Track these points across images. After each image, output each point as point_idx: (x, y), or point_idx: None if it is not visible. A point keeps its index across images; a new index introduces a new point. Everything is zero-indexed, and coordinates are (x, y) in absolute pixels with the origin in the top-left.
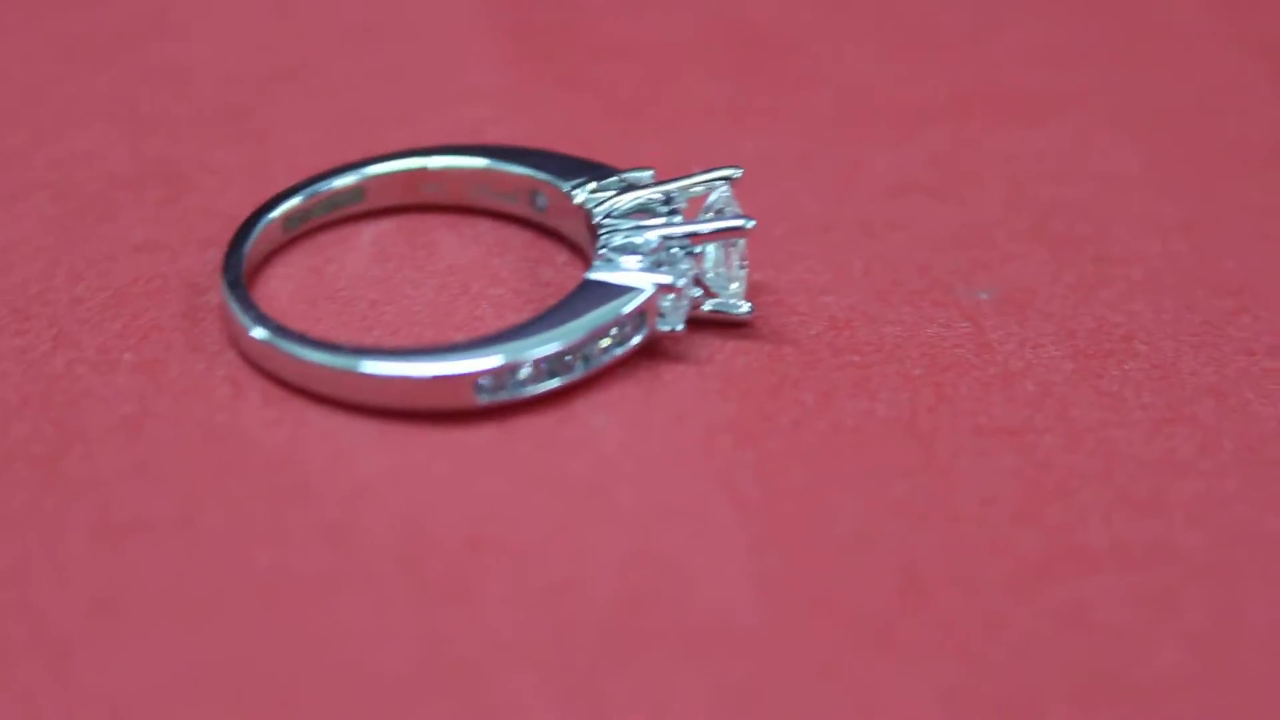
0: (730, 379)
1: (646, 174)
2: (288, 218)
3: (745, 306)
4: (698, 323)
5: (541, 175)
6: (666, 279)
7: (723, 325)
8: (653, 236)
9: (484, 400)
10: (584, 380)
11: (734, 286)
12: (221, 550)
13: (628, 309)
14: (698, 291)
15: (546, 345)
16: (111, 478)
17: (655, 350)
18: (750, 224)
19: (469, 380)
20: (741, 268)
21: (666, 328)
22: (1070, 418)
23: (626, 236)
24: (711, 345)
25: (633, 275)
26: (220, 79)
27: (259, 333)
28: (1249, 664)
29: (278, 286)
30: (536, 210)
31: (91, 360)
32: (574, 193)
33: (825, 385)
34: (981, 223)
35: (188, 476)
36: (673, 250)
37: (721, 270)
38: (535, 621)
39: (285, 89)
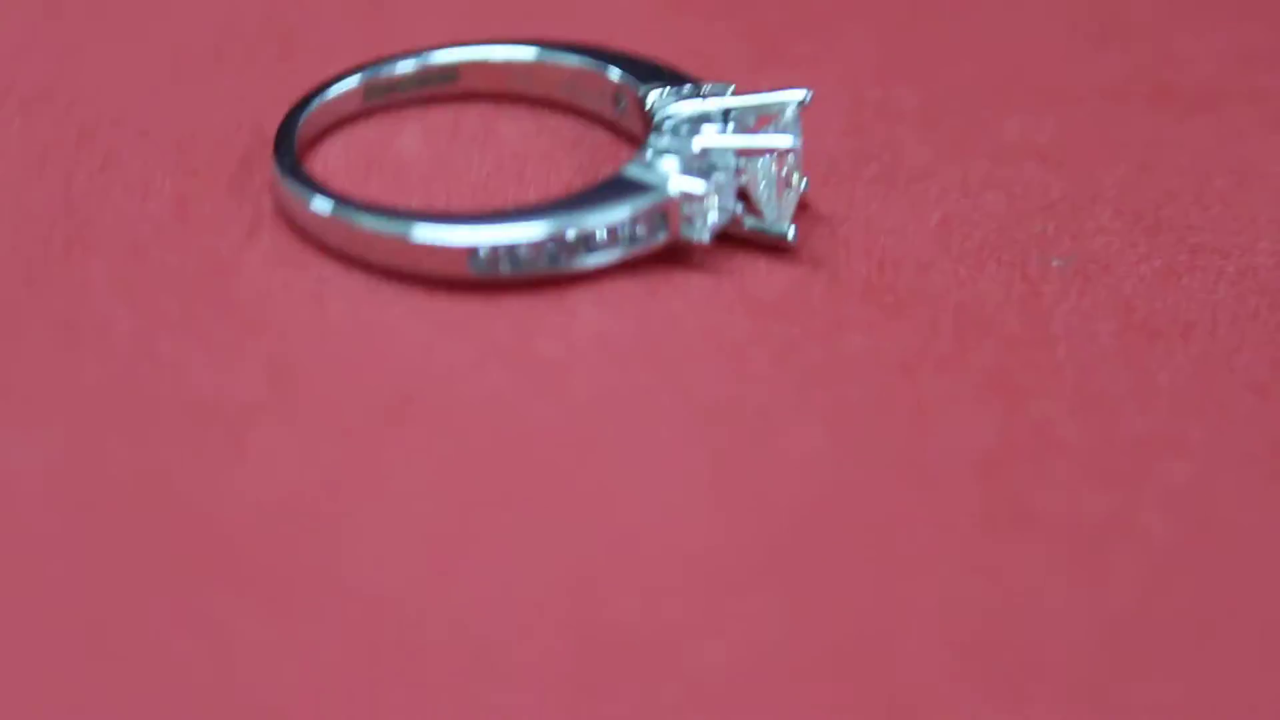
0: (743, 297)
1: (725, 88)
2: (369, 87)
3: (789, 229)
4: (737, 240)
5: (627, 79)
6: (696, 186)
7: (763, 246)
8: (696, 144)
9: (477, 272)
10: (591, 273)
11: (782, 208)
12: (161, 367)
13: (644, 207)
14: (739, 207)
15: (550, 227)
16: (92, 285)
17: (679, 257)
18: (790, 143)
19: (464, 249)
20: (793, 189)
21: (692, 236)
22: (1085, 388)
23: (671, 141)
24: (741, 262)
25: (663, 177)
26: None
27: (280, 176)
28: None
29: (337, 152)
30: (618, 112)
31: (130, 184)
32: (646, 96)
33: (841, 318)
34: (1088, 198)
35: (160, 295)
36: (713, 160)
37: (771, 190)
38: (429, 482)
39: None
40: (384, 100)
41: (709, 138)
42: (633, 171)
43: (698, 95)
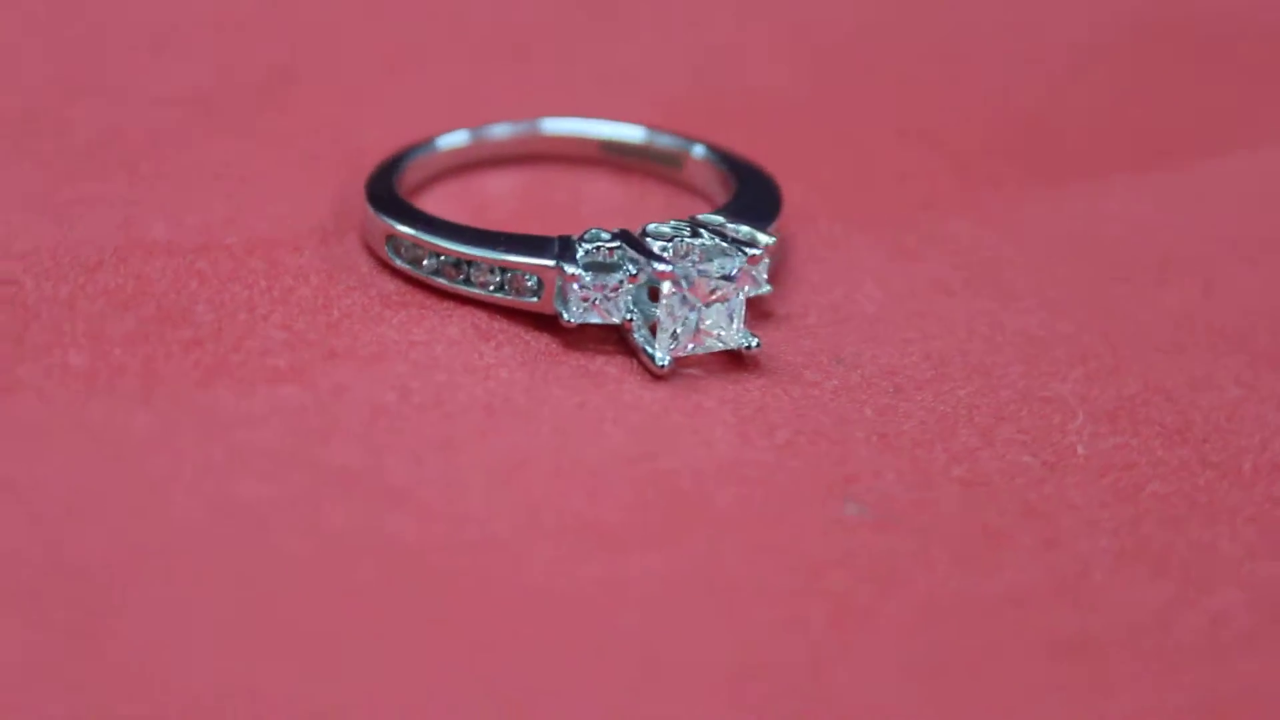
0: (544, 381)
1: (761, 237)
2: (608, 143)
3: (661, 358)
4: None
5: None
6: (571, 267)
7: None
8: (613, 242)
9: (390, 258)
10: (469, 300)
11: (677, 339)
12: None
13: (518, 261)
14: (631, 316)
15: (446, 244)
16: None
17: (554, 328)
18: (665, 270)
19: (383, 231)
20: (703, 326)
21: (562, 313)
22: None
23: (609, 236)
24: (604, 360)
25: (565, 254)
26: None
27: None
28: None
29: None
30: None
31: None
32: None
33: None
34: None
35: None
36: (622, 262)
37: (673, 319)
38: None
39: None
40: (613, 158)
41: (627, 240)
42: (557, 241)
43: (719, 227)
